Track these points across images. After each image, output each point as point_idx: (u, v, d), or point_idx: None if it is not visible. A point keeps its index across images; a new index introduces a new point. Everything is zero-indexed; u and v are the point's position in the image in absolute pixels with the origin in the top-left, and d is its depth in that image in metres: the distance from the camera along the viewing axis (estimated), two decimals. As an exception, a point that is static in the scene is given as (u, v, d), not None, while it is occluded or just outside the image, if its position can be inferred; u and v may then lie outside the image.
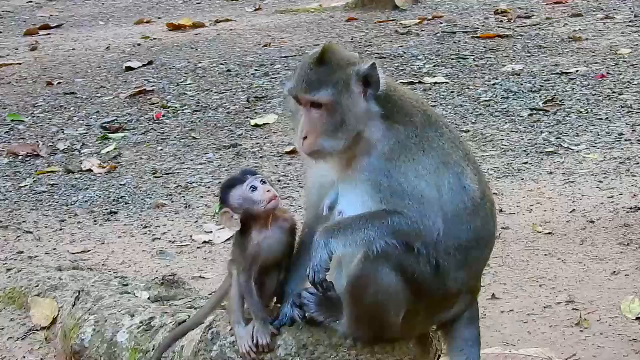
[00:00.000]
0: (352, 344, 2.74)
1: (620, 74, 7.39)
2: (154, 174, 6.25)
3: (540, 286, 4.32)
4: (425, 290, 2.71)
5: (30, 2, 13.39)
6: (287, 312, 2.82)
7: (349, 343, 2.74)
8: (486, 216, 2.79)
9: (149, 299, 3.71)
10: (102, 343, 3.38)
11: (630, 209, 5.05)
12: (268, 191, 2.79)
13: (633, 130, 6.25)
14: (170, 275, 3.98)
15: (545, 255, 4.63)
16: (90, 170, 6.36)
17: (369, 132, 2.70)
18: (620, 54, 7.92)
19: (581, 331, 3.91)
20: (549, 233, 4.85)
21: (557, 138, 6.24)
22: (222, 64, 8.58)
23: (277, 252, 2.84)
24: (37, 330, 4.11)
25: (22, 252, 5.10)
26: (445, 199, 2.70)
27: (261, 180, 2.81)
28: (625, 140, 6.09)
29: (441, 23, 9.59)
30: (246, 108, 7.40)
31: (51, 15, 11.98)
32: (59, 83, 8.42)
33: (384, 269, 2.66)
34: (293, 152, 6.39)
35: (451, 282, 2.74)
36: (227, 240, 4.98)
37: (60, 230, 5.43)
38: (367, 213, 2.68)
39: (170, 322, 3.24)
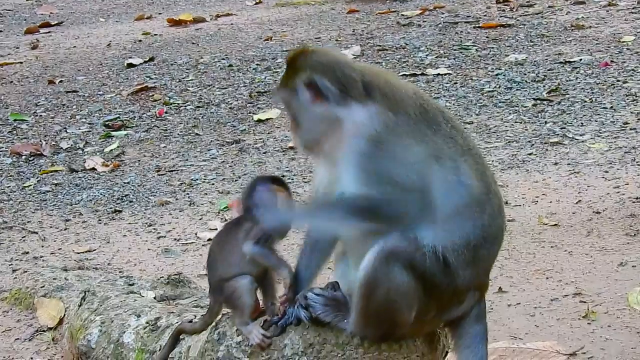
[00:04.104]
0: (359, 342, 2.73)
1: (624, 62, 7.34)
2: (158, 171, 6.24)
3: (547, 278, 4.30)
4: (436, 288, 2.69)
5: (30, -1, 13.35)
6: (293, 312, 2.81)
7: (355, 342, 2.73)
8: (493, 212, 2.75)
9: (154, 298, 3.71)
10: (108, 344, 3.38)
11: (637, 198, 5.02)
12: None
13: (638, 119, 6.21)
14: (175, 274, 3.98)
15: (552, 247, 4.60)
16: (93, 169, 6.35)
17: (351, 117, 2.71)
18: (623, 42, 7.86)
19: (588, 324, 3.89)
20: (555, 224, 4.83)
21: (561, 128, 6.20)
22: (223, 59, 8.56)
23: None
24: (44, 331, 4.12)
25: (27, 253, 5.10)
26: (438, 193, 2.66)
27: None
28: (631, 129, 6.05)
29: (443, 13, 9.54)
30: (248, 103, 7.38)
31: (51, 13, 11.95)
32: (61, 81, 8.40)
33: (395, 268, 2.64)
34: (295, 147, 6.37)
35: (460, 279, 2.72)
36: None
37: (65, 229, 5.42)
38: (340, 194, 2.67)
39: (177, 322, 3.23)
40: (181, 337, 3.05)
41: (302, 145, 2.80)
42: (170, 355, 3.01)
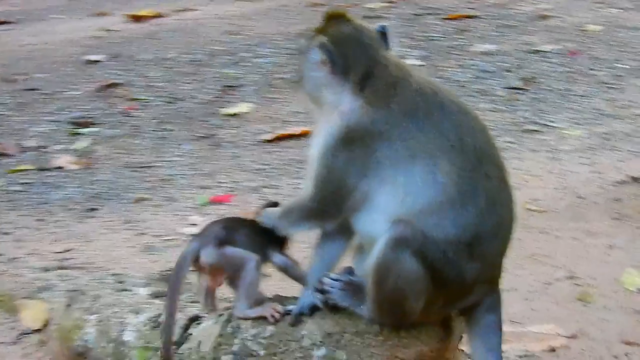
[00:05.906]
0: (378, 330, 2.68)
1: (592, 51, 7.45)
2: (131, 168, 6.09)
3: (539, 263, 4.31)
4: (443, 279, 2.67)
5: (-19, -3, 12.95)
6: (307, 299, 2.75)
7: (375, 329, 2.68)
8: (481, 211, 2.69)
9: (150, 295, 3.59)
10: (107, 343, 3.26)
11: (617, 182, 5.09)
12: None
13: (611, 106, 6.31)
14: (168, 270, 3.87)
15: (540, 232, 4.63)
16: (62, 167, 6.16)
17: (338, 101, 2.74)
18: (588, 31, 7.98)
19: (585, 306, 3.92)
20: (541, 210, 4.86)
21: (537, 116, 6.26)
22: (189, 54, 8.42)
23: None
24: (29, 333, 3.97)
25: (3, 254, 4.91)
26: (410, 190, 2.65)
27: None
28: (605, 115, 6.15)
29: (404, 5, 9.55)
30: (218, 97, 7.27)
31: (5, 10, 11.61)
32: (24, 79, 8.15)
33: (405, 254, 2.61)
34: (272, 141, 6.30)
35: (465, 272, 2.70)
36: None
37: (39, 229, 5.25)
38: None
39: (180, 318, 3.13)
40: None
41: (301, 95, 2.89)
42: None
